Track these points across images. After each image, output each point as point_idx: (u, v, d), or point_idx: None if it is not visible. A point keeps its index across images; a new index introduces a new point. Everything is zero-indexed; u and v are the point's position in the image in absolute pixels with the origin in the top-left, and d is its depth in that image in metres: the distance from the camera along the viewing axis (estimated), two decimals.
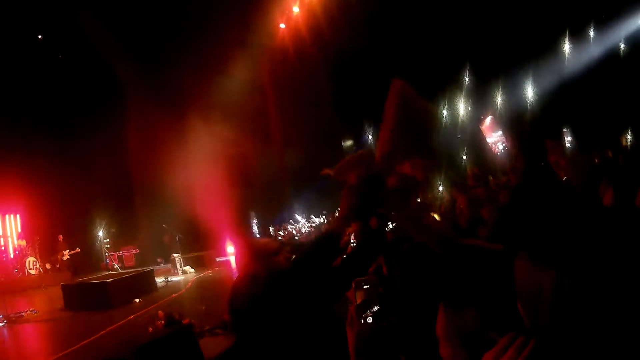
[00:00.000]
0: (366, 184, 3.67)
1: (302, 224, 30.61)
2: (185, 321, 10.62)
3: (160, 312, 11.44)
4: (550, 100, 29.53)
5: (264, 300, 3.69)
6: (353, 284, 2.98)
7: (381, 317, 2.89)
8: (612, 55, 27.87)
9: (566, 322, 1.65)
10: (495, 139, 33.67)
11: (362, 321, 2.85)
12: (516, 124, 30.90)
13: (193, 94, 25.68)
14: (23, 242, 25.72)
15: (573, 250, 1.66)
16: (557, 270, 1.67)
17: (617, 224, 1.74)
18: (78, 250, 27.26)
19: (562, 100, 27.70)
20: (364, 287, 2.94)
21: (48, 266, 26.35)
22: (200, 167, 23.19)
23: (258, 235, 31.58)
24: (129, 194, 29.40)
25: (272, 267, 3.95)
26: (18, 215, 27.26)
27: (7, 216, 26.95)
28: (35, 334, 14.46)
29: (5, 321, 15.14)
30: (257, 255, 4.03)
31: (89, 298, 17.18)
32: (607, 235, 1.69)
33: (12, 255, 26.08)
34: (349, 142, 39.32)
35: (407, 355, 3.14)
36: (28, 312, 16.26)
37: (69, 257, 26.65)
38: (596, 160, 11.86)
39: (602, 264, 1.62)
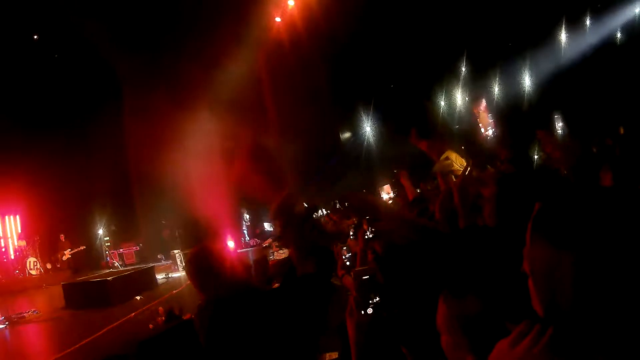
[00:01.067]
0: (299, 227, 3.78)
1: None
2: (186, 316, 10.61)
3: (160, 308, 11.45)
4: (541, 87, 29.61)
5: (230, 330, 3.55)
6: (352, 275, 2.97)
7: (381, 307, 2.88)
8: (606, 44, 27.91)
9: (585, 306, 1.61)
10: (487, 124, 33.74)
11: (362, 312, 2.84)
12: (506, 111, 30.95)
13: (189, 90, 25.67)
14: (23, 243, 25.72)
15: (589, 231, 1.62)
16: (573, 252, 1.63)
17: (625, 203, 1.69)
18: (83, 247, 27.27)
19: (553, 87, 27.75)
20: (364, 277, 2.93)
21: (49, 266, 26.34)
22: (198, 162, 23.20)
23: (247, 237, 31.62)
24: (128, 191, 29.40)
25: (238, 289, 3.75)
26: (18, 216, 27.24)
27: (6, 217, 26.92)
28: (37, 334, 14.46)
29: (6, 322, 15.13)
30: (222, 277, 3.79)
31: (89, 296, 17.20)
32: (620, 215, 1.66)
33: (12, 256, 26.06)
34: (346, 134, 39.32)
35: (408, 345, 3.12)
36: (29, 312, 16.23)
37: (70, 256, 26.65)
38: (594, 149, 11.83)
39: (619, 244, 1.57)
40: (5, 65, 24.71)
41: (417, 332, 2.97)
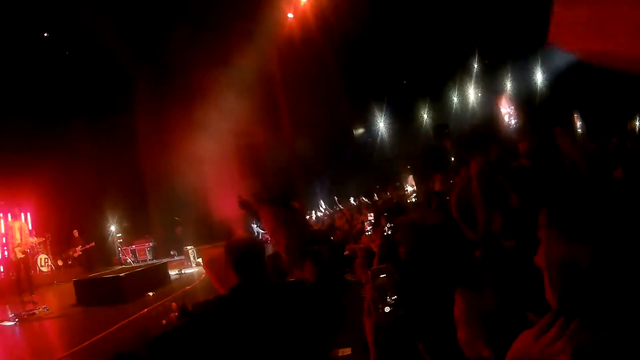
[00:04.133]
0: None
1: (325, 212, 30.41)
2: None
3: (173, 304, 11.38)
4: (560, 85, 29.58)
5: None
6: (369, 274, 2.91)
7: (398, 305, 2.81)
8: None
9: (602, 298, 1.65)
10: (507, 112, 33.84)
11: (380, 311, 2.78)
12: (527, 107, 30.94)
13: (202, 86, 25.67)
14: (35, 240, 25.70)
15: (607, 224, 1.65)
16: (592, 245, 1.64)
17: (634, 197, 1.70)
18: (93, 244, 27.21)
19: (571, 85, 27.69)
20: (381, 276, 2.86)
21: (60, 263, 26.33)
22: (211, 158, 23.21)
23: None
24: (140, 187, 29.44)
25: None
26: (28, 213, 27.23)
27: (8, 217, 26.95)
28: (47, 331, 14.36)
29: (16, 319, 15.03)
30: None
31: (101, 293, 17.11)
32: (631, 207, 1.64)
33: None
34: (360, 130, 39.34)
35: (425, 342, 3.08)
36: (40, 309, 16.15)
37: (81, 252, 26.63)
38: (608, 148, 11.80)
39: (632, 236, 1.59)
40: (16, 63, 24.72)
41: (434, 328, 3.02)
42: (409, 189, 25.55)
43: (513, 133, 29.65)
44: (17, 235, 18.08)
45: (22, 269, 18.23)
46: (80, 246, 26.69)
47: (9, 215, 24.25)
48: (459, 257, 3.38)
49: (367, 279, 3.02)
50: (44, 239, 24.17)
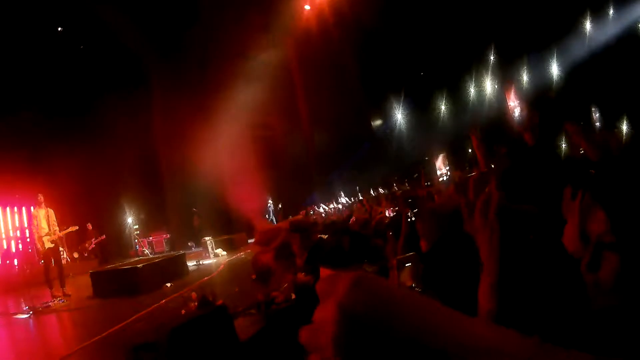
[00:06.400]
0: None
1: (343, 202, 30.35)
2: (219, 302, 10.45)
3: (193, 293, 11.28)
4: (574, 79, 29.41)
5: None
6: (395, 264, 2.79)
7: (424, 294, 2.69)
8: (632, 34, 27.66)
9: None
10: (514, 105, 33.65)
11: None
12: (537, 103, 30.71)
13: (219, 78, 25.62)
14: (68, 230, 25.72)
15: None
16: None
17: None
18: (104, 237, 27.27)
19: (586, 79, 27.51)
20: (406, 265, 2.74)
21: (75, 255, 26.37)
22: (228, 150, 23.16)
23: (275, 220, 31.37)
24: (157, 179, 29.49)
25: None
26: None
27: (32, 207, 26.97)
28: (62, 323, 14.10)
29: (31, 312, 14.83)
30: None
31: (118, 284, 16.91)
32: None
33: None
34: (377, 121, 39.26)
35: None
36: (55, 301, 16.04)
37: (94, 245, 26.69)
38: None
39: None
40: (32, 59, 24.85)
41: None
42: (438, 172, 25.36)
43: (519, 124, 29.57)
44: (44, 224, 17.74)
45: (52, 259, 18.03)
46: (94, 239, 26.77)
47: (26, 207, 24.21)
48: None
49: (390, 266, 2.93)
50: (76, 227, 24.07)
